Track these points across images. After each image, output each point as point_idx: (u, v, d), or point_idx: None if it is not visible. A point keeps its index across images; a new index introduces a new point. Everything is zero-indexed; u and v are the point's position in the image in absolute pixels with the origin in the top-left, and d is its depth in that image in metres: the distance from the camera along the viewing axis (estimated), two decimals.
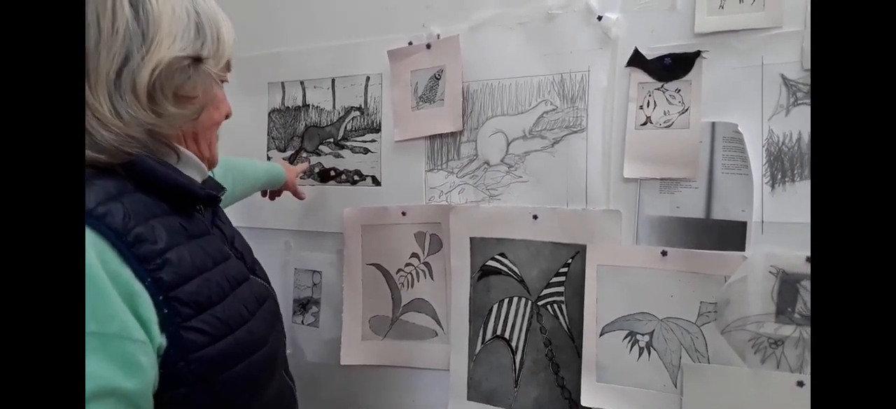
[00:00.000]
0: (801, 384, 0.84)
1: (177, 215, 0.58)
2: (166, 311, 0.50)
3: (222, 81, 0.64)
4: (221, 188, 0.71)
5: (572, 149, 0.97)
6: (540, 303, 1.02)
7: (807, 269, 0.82)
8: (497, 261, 1.04)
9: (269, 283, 0.73)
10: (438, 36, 1.04)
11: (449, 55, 1.04)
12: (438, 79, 1.05)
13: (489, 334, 1.06)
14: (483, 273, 1.06)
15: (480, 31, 1.02)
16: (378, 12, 1.09)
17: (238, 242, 0.72)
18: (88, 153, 0.52)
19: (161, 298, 0.50)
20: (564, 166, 0.98)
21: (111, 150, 0.53)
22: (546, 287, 1.01)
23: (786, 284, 0.83)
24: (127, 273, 0.49)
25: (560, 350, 1.01)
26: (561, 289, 1.00)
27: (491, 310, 1.06)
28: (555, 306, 1.01)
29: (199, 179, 0.64)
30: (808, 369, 0.83)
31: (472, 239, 1.06)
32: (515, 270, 1.03)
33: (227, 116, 0.68)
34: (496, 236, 1.04)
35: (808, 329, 0.83)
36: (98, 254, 0.47)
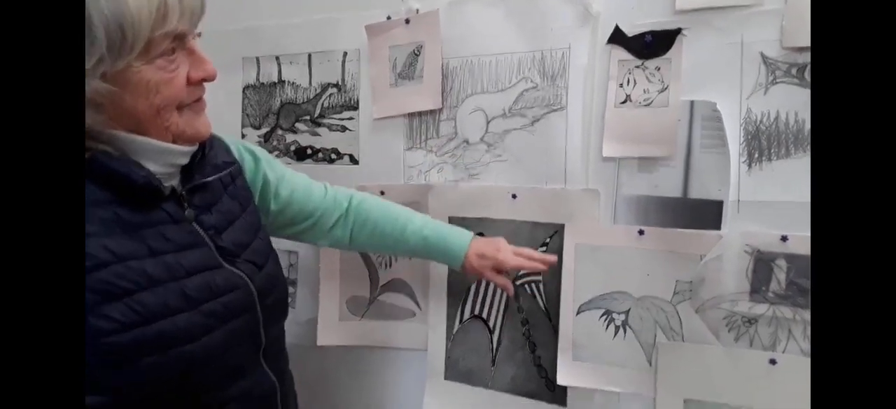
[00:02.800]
0: (773, 362, 0.85)
1: (119, 205, 0.58)
2: None
3: (164, 55, 0.58)
4: (224, 165, 0.70)
5: (552, 127, 0.96)
6: (518, 282, 1.01)
7: (781, 248, 0.83)
8: None
9: (252, 275, 0.69)
10: (417, 11, 1.02)
11: (428, 31, 1.02)
12: (417, 55, 1.04)
13: (467, 314, 1.05)
14: None
15: (460, 6, 1.00)
16: None
17: (231, 232, 0.69)
18: None
19: None
20: (544, 145, 0.97)
21: None
22: None
23: (760, 263, 0.84)
24: None
25: (537, 329, 1.00)
26: None
27: (469, 290, 1.05)
28: (532, 285, 1.00)
29: (157, 165, 0.61)
30: (780, 347, 0.84)
31: (451, 218, 1.04)
32: None
33: (204, 79, 0.62)
34: (475, 216, 1.03)
35: (782, 308, 0.84)
36: None
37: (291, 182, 0.88)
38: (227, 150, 0.77)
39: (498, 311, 1.03)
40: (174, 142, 0.62)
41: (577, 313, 0.96)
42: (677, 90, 0.87)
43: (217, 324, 0.63)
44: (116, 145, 0.59)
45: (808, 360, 0.82)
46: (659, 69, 0.88)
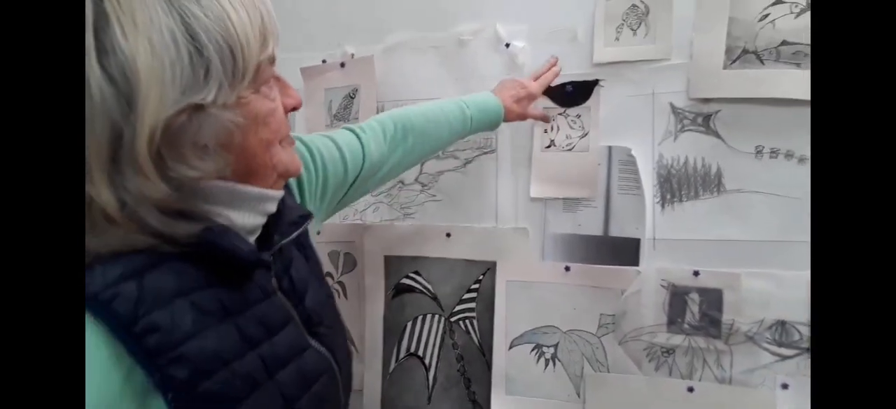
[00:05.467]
0: (691, 389, 0.90)
1: (219, 286, 0.48)
2: None
3: (267, 83, 0.50)
4: (301, 219, 0.59)
5: (483, 169, 1.00)
6: (453, 319, 1.03)
7: (694, 282, 0.89)
8: (411, 279, 1.05)
9: (334, 348, 0.61)
10: (353, 55, 1.05)
11: (363, 75, 1.04)
12: (353, 98, 1.06)
13: (403, 352, 1.06)
14: (397, 291, 1.06)
15: (394, 52, 1.03)
16: (292, 29, 1.08)
17: (311, 295, 0.60)
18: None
19: (170, 396, 0.42)
20: (476, 186, 1.01)
21: (117, 247, 0.43)
22: (459, 303, 1.03)
23: (675, 296, 0.90)
24: (140, 371, 0.42)
25: (471, 365, 1.03)
26: (473, 305, 1.02)
27: (405, 328, 1.06)
28: (467, 321, 1.03)
29: (250, 217, 0.51)
30: (697, 376, 0.90)
31: (386, 257, 1.06)
32: (429, 287, 1.04)
33: (294, 109, 0.55)
34: (411, 254, 1.05)
35: (697, 338, 0.89)
36: (104, 346, 0.41)
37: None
38: (292, 195, 0.67)
39: (434, 348, 1.05)
40: (274, 184, 0.54)
41: (510, 347, 0.99)
42: (597, 136, 0.93)
43: None
44: (216, 204, 0.48)
45: (722, 387, 0.88)
46: (579, 117, 0.94)
